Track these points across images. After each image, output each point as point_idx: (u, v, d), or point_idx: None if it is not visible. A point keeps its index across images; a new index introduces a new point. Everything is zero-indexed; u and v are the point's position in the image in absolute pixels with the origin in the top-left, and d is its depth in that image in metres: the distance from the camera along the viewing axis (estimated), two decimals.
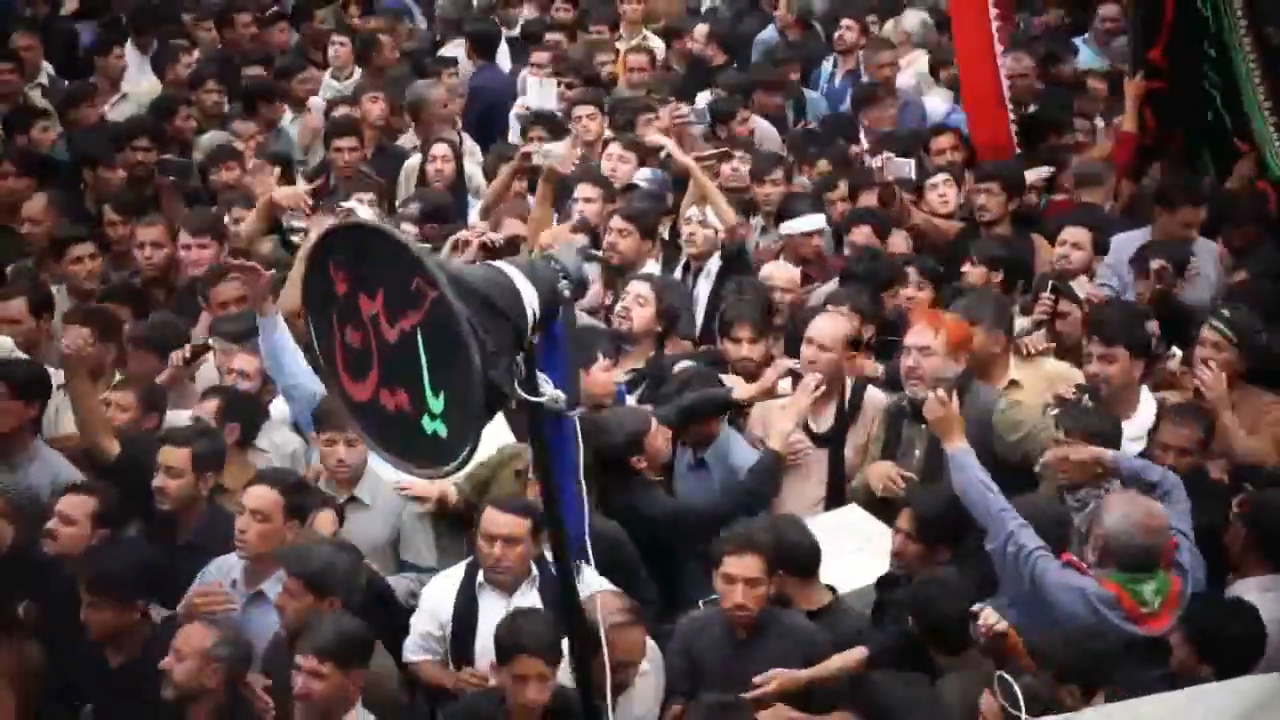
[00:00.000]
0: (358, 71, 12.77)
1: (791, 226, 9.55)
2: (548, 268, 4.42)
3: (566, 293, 4.43)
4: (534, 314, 4.33)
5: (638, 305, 8.35)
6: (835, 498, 7.64)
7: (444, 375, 4.20)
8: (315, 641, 6.04)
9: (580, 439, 4.63)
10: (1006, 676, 5.46)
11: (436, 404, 4.24)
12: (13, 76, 12.31)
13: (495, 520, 6.64)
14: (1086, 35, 13.48)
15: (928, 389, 6.97)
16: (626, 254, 9.04)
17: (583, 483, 4.70)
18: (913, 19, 13.46)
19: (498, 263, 4.42)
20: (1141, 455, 7.11)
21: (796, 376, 7.61)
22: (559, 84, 11.96)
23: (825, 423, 7.72)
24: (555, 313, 4.43)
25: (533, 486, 6.78)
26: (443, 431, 4.25)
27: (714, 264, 9.32)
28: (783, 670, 6.35)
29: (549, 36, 13.30)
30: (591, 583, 5.92)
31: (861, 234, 9.36)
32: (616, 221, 9.13)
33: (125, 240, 9.70)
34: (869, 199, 9.84)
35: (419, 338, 4.22)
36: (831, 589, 6.79)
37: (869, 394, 7.81)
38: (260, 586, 6.79)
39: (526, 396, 4.33)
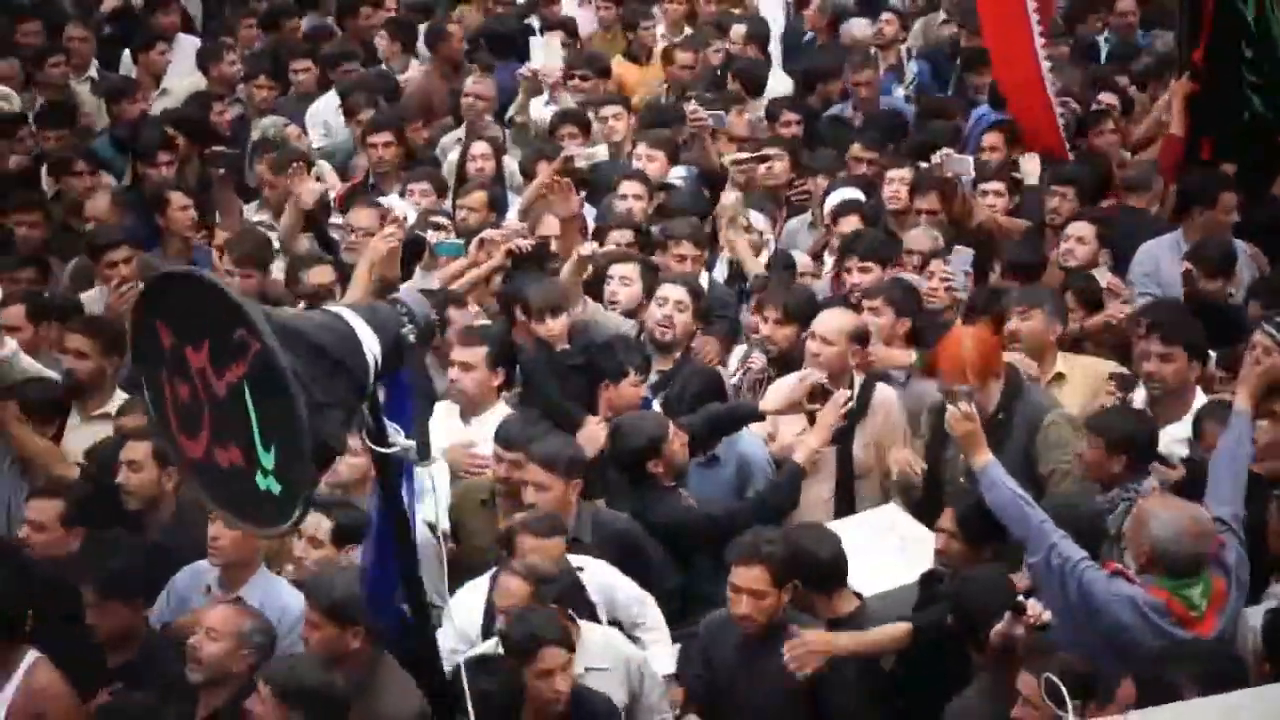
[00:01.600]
0: None
1: (829, 200, 9.64)
2: (392, 312, 4.23)
3: (411, 338, 4.23)
4: (376, 361, 4.13)
5: (678, 312, 8.26)
6: (844, 495, 7.61)
7: (273, 430, 3.98)
8: (270, 672, 5.94)
9: (436, 488, 4.55)
10: (1053, 678, 5.43)
11: (268, 459, 4.01)
12: (67, 68, 12.29)
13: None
14: (1105, 34, 13.41)
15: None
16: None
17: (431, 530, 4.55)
18: (860, 27, 13.18)
19: (337, 308, 4.23)
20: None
21: (826, 392, 7.48)
22: (571, 76, 11.80)
23: None
24: (400, 360, 4.23)
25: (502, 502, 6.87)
26: (275, 489, 4.02)
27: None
28: (820, 633, 6.34)
29: (536, 38, 13.04)
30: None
31: (849, 224, 9.34)
32: (687, 248, 8.97)
33: (193, 231, 9.68)
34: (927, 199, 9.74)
35: (246, 391, 3.99)
36: (858, 595, 6.71)
37: (879, 390, 7.75)
38: (238, 592, 6.70)
39: (375, 448, 4.18)
